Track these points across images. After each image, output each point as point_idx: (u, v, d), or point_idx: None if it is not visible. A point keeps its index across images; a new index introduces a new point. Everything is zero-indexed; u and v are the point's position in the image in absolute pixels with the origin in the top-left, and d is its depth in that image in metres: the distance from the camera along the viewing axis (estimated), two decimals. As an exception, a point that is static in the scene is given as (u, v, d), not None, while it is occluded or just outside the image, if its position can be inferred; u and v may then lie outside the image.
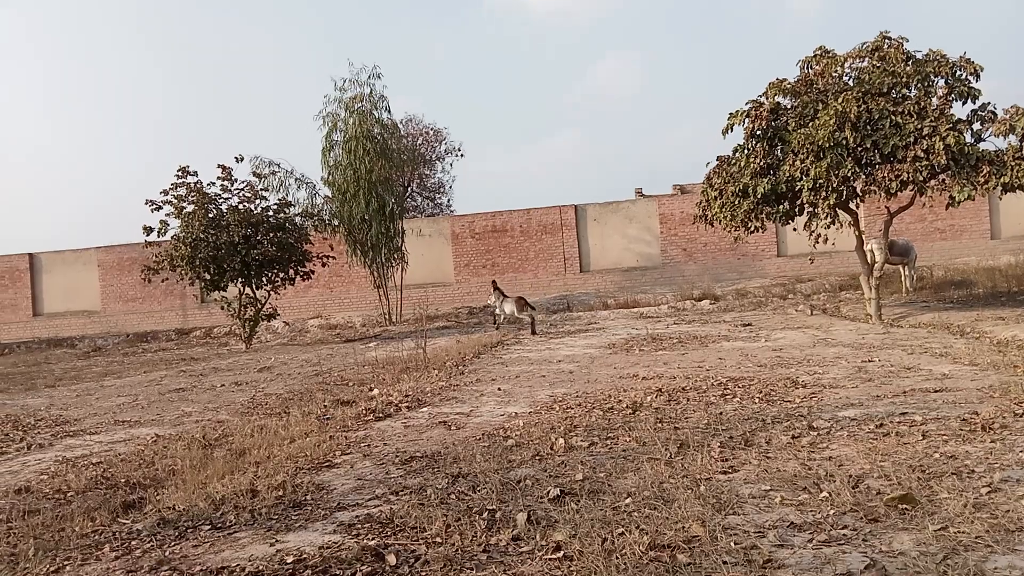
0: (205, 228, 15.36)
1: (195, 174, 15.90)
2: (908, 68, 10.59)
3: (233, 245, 15.44)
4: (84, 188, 66.07)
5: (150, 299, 25.09)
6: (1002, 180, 10.07)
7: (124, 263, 25.30)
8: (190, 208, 15.65)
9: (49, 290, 25.98)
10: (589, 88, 73.36)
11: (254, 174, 17.83)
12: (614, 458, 4.22)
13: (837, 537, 2.81)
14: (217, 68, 70.89)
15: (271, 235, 16.11)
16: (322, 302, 24.32)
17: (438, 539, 3.09)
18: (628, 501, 3.39)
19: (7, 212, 62.20)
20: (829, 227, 11.10)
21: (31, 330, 25.34)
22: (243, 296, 16.38)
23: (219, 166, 16.03)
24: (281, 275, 16.67)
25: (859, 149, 10.56)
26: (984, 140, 10.68)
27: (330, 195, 20.63)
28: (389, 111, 20.61)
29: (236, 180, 16.21)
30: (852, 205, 11.74)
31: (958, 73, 10.57)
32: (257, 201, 16.37)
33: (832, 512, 3.07)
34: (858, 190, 11.15)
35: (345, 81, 20.23)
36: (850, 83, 11.06)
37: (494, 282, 17.58)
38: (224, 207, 15.95)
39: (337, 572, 2.85)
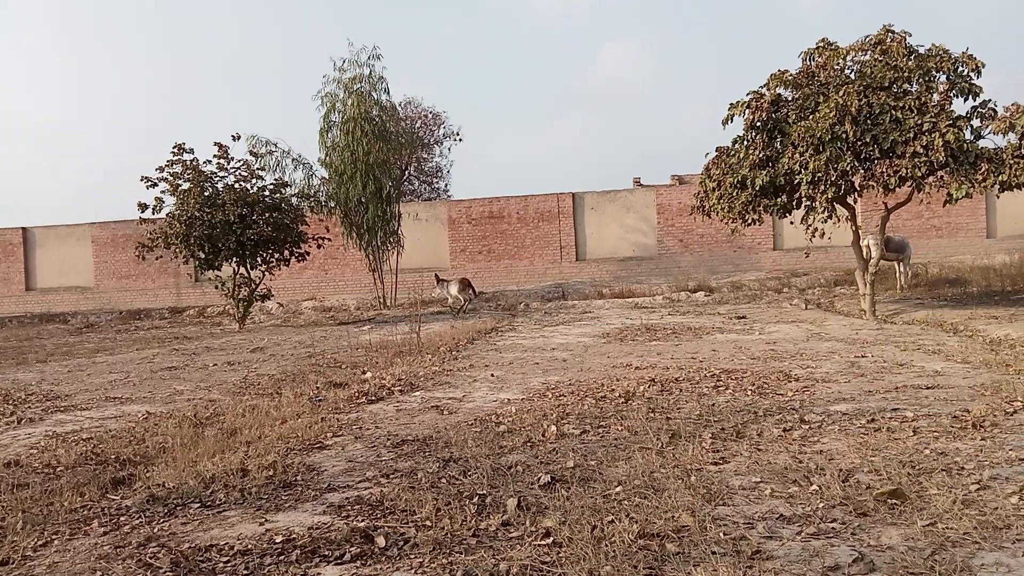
0: (200, 206, 15.24)
1: (191, 151, 15.76)
2: (910, 63, 10.55)
3: (228, 224, 15.34)
4: (79, 162, 65.70)
5: (144, 276, 25.00)
6: (1000, 178, 10.06)
7: (118, 239, 25.15)
8: (186, 186, 15.52)
9: (42, 265, 25.85)
10: (592, 76, 73.10)
11: (251, 153, 17.71)
12: (605, 446, 4.23)
13: (826, 530, 2.82)
14: (220, 47, 70.37)
15: (267, 215, 15.98)
16: (317, 284, 24.27)
17: (428, 522, 3.09)
18: (619, 489, 3.40)
19: (1, 185, 61.83)
20: (826, 221, 11.11)
21: (23, 305, 25.25)
22: (237, 276, 16.28)
23: (216, 144, 15.88)
24: (276, 256, 16.56)
25: (858, 143, 10.53)
26: (983, 137, 10.65)
27: (327, 176, 20.48)
28: (388, 93, 20.39)
29: (232, 159, 16.08)
30: (850, 200, 11.74)
31: (960, 69, 10.52)
32: (253, 180, 16.22)
33: (821, 505, 3.08)
34: (856, 185, 11.14)
35: (344, 61, 19.98)
36: (852, 76, 11.02)
37: (436, 275, 18.84)
38: (220, 186, 15.82)
39: (326, 552, 2.85)
